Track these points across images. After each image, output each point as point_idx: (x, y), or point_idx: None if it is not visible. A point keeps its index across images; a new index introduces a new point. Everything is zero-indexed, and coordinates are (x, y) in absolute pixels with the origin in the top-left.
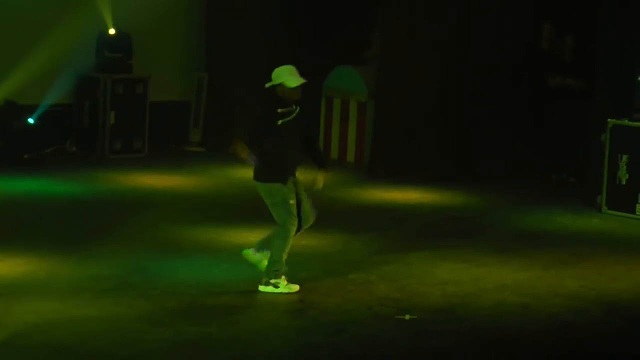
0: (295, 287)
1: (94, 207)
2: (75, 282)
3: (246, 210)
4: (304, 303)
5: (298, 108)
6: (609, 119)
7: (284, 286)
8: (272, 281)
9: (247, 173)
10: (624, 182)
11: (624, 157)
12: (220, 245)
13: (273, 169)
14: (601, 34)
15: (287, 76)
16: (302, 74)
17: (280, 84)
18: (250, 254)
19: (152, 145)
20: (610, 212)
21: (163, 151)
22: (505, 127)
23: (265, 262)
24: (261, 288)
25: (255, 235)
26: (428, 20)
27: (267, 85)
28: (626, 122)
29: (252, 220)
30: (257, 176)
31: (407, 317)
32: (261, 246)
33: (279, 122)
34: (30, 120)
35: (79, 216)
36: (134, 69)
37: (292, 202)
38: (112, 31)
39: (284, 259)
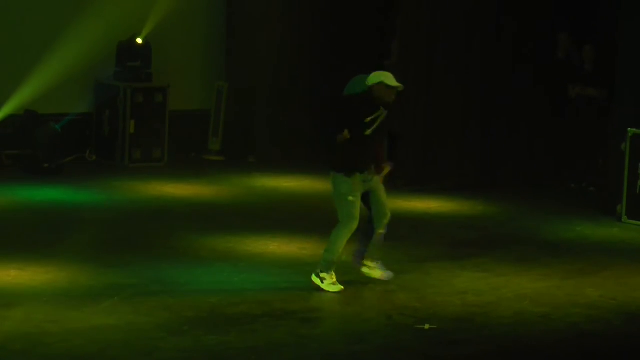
0: (339, 288)
1: (113, 216)
2: (95, 290)
3: (266, 219)
4: (323, 312)
5: (385, 112)
6: (629, 128)
7: (328, 284)
8: (321, 274)
9: (266, 182)
10: None
11: None
12: (240, 254)
13: (343, 160)
14: (621, 43)
15: (387, 77)
16: (321, 82)
17: (380, 82)
18: (364, 269)
19: (172, 154)
20: (630, 221)
21: (182, 160)
22: (525, 136)
23: (376, 271)
24: (312, 278)
25: (275, 244)
26: (445, 29)
27: (367, 83)
28: None
29: (271, 229)
30: (330, 164)
31: (427, 326)
32: (369, 256)
33: (367, 131)
34: (58, 127)
35: (99, 225)
36: (154, 78)
37: (351, 199)
38: (139, 40)
39: (338, 253)
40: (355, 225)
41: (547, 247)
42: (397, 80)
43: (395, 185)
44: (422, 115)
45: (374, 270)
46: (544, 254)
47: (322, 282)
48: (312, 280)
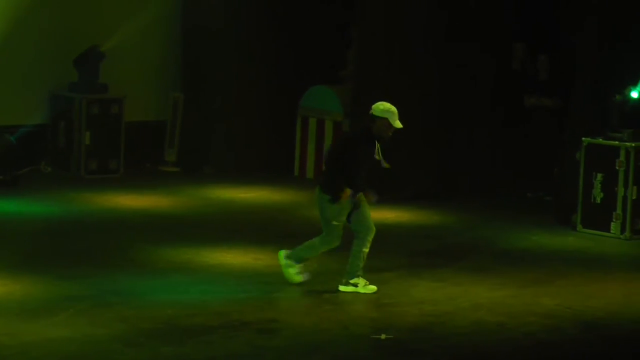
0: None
1: (69, 228)
2: (50, 303)
3: (222, 230)
4: (279, 323)
5: (379, 145)
6: (583, 138)
7: (363, 287)
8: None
9: (222, 193)
10: (598, 201)
11: (599, 176)
12: (196, 265)
13: (334, 185)
14: (577, 53)
15: (394, 116)
16: (278, 94)
17: (384, 119)
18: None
19: (128, 166)
20: (585, 230)
21: (138, 171)
22: (481, 146)
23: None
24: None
25: (231, 255)
26: (402, 39)
27: (370, 112)
28: (600, 140)
29: (227, 240)
30: (320, 182)
31: (383, 336)
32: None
33: (378, 156)
34: (13, 139)
35: (54, 237)
36: (109, 89)
37: (335, 223)
38: (96, 51)
39: (308, 256)
40: (336, 244)
41: (503, 256)
42: (353, 91)
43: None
44: None
45: (364, 287)
46: (500, 263)
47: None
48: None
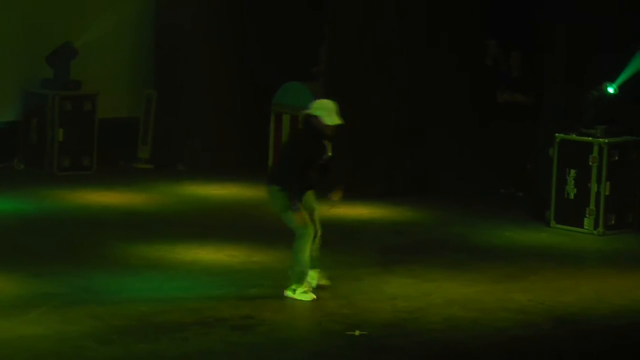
0: (311, 297)
1: (41, 225)
2: (23, 300)
3: (195, 227)
4: (253, 319)
5: (329, 145)
6: (556, 134)
7: (301, 293)
8: (293, 285)
9: (196, 190)
10: (572, 197)
11: (572, 172)
12: (170, 262)
13: (283, 179)
14: (549, 48)
15: (326, 112)
16: (251, 90)
17: (317, 117)
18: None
19: (101, 163)
20: (558, 226)
21: (112, 168)
22: (454, 142)
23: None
24: (286, 292)
25: (205, 252)
26: (375, 36)
27: (306, 112)
28: (574, 136)
29: (201, 237)
30: (270, 178)
31: (357, 332)
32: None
33: (306, 149)
34: None
35: (27, 234)
36: (83, 86)
37: (293, 209)
38: (70, 47)
39: (305, 263)
40: (310, 230)
41: (476, 252)
42: (326, 87)
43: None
44: (351, 122)
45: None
46: (474, 259)
47: (294, 292)
48: (286, 294)
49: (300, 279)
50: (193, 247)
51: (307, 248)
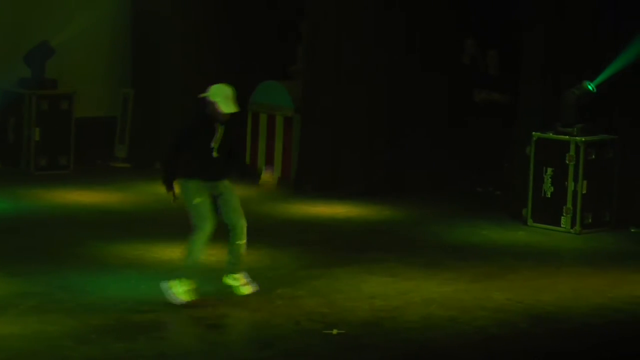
0: (189, 298)
1: (18, 224)
2: (0, 299)
3: (172, 226)
4: (231, 318)
5: (222, 127)
6: (533, 132)
7: (181, 290)
8: (182, 279)
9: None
10: (549, 195)
11: (549, 170)
12: (147, 261)
13: (185, 168)
14: (525, 47)
15: (223, 99)
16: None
17: (214, 103)
18: (229, 281)
19: (78, 162)
20: (535, 224)
21: (89, 167)
22: (431, 141)
23: (242, 287)
24: (169, 283)
25: (182, 251)
26: (353, 34)
27: (202, 95)
28: (551, 135)
29: (178, 236)
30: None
31: (335, 331)
32: (233, 270)
33: (201, 139)
34: None
35: (4, 233)
36: (59, 85)
37: (197, 200)
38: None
39: (196, 258)
40: (208, 227)
41: (453, 251)
42: (303, 86)
43: (302, 190)
44: (328, 121)
45: (242, 287)
46: (451, 258)
47: (176, 285)
48: (166, 285)
49: (188, 274)
50: (170, 246)
51: (202, 243)
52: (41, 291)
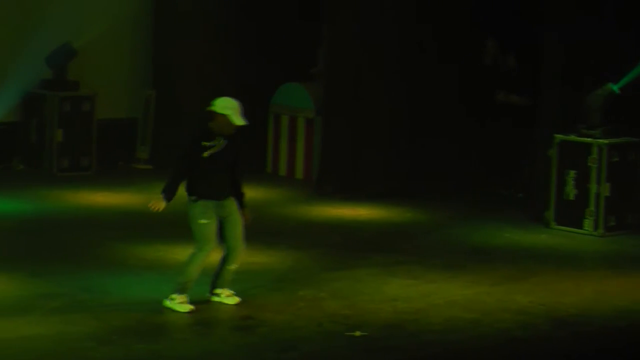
0: (189, 307)
1: (41, 225)
2: (24, 300)
3: None
4: (253, 320)
5: (225, 141)
6: (555, 135)
7: (176, 304)
8: (172, 295)
9: None
10: (571, 198)
11: (571, 173)
12: (168, 262)
13: (191, 186)
14: (545, 49)
15: (233, 112)
16: (249, 91)
17: (225, 116)
18: (214, 298)
19: (100, 163)
20: (558, 227)
21: (111, 169)
22: (453, 143)
23: (227, 298)
24: (164, 302)
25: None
26: (374, 37)
27: (209, 109)
28: (573, 137)
29: None
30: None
31: (358, 333)
32: (214, 285)
33: (205, 154)
34: None
35: (27, 234)
36: (81, 87)
37: (203, 221)
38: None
39: (192, 276)
40: (210, 247)
41: (476, 253)
42: (324, 88)
43: (324, 192)
44: (349, 123)
45: (227, 298)
46: (474, 261)
47: (171, 302)
48: (164, 304)
49: (181, 290)
50: (191, 248)
51: (200, 262)
52: (64, 292)
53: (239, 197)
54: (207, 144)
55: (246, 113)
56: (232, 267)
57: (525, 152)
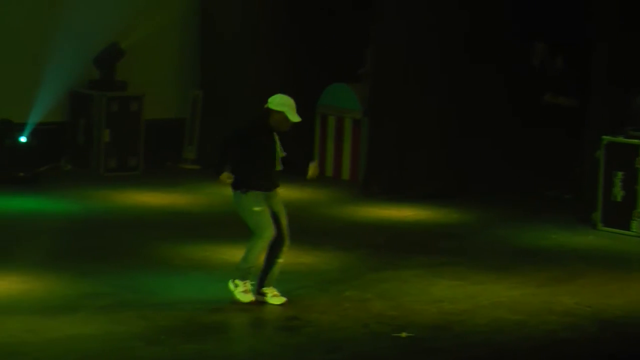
0: (250, 298)
1: (88, 225)
2: (71, 300)
3: (240, 227)
4: (300, 321)
5: (277, 137)
6: (603, 136)
7: (239, 292)
8: (237, 280)
9: None
10: (618, 199)
11: (619, 174)
12: (215, 262)
13: (241, 179)
14: (594, 50)
15: (289, 109)
16: (296, 92)
17: (281, 112)
18: (261, 298)
19: (147, 163)
20: (605, 229)
21: (158, 169)
22: (500, 144)
23: (273, 298)
24: (228, 283)
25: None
26: (421, 38)
27: (266, 106)
28: (621, 139)
29: (246, 237)
30: (232, 184)
31: (404, 334)
32: (262, 283)
33: (261, 149)
34: (23, 139)
35: (74, 234)
36: (129, 87)
37: (257, 209)
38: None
39: (253, 262)
40: (269, 233)
41: (523, 254)
42: (371, 89)
43: (370, 193)
44: (396, 123)
45: (273, 298)
46: (520, 262)
47: (235, 288)
48: (228, 286)
49: (243, 276)
50: (238, 248)
51: (260, 249)
52: (110, 292)
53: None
54: (264, 139)
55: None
56: (281, 260)
57: (572, 154)
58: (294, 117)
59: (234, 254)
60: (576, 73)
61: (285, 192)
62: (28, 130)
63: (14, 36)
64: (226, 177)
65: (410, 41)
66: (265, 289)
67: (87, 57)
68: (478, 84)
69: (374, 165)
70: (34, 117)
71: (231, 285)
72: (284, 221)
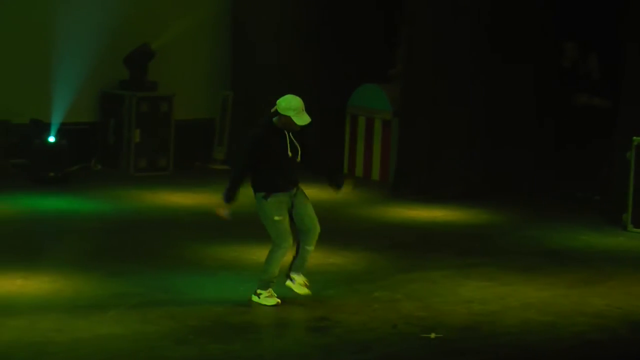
0: (276, 301)
1: (118, 225)
2: (101, 299)
3: None
4: (329, 321)
5: (290, 134)
6: (634, 137)
7: (265, 297)
8: (258, 291)
9: None
10: None
11: None
12: (244, 263)
13: (259, 183)
14: (625, 50)
15: (295, 113)
16: (326, 92)
17: (287, 117)
18: (289, 282)
19: (177, 163)
20: (635, 230)
21: (188, 169)
22: (530, 145)
23: (300, 287)
24: (252, 297)
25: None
26: (452, 39)
27: (273, 110)
28: None
29: None
30: (252, 185)
31: (433, 335)
32: (291, 267)
33: (275, 149)
34: (51, 139)
35: (104, 234)
36: (159, 87)
37: (277, 218)
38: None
39: (274, 274)
40: (288, 243)
41: (552, 255)
42: (401, 90)
43: (400, 193)
44: (426, 124)
45: (299, 287)
46: (550, 263)
47: (259, 297)
48: (251, 299)
49: (264, 286)
50: (267, 248)
51: (280, 259)
52: (140, 292)
53: (335, 176)
54: (273, 141)
55: (323, 114)
56: (310, 247)
57: (603, 155)
58: (300, 121)
59: (263, 254)
60: (608, 73)
61: (314, 193)
62: (56, 130)
63: (44, 36)
64: (229, 212)
65: (441, 42)
66: (294, 275)
67: (117, 57)
68: (509, 84)
69: (403, 166)
70: (64, 118)
71: (255, 298)
72: (311, 211)
